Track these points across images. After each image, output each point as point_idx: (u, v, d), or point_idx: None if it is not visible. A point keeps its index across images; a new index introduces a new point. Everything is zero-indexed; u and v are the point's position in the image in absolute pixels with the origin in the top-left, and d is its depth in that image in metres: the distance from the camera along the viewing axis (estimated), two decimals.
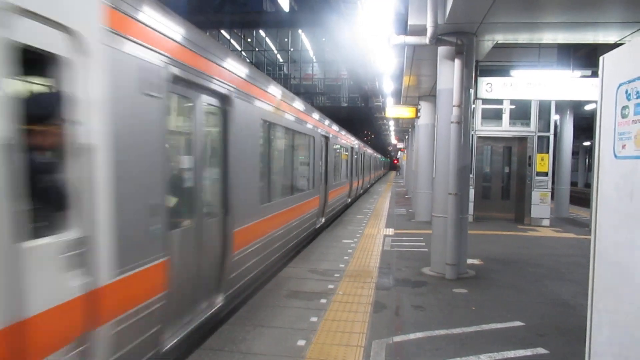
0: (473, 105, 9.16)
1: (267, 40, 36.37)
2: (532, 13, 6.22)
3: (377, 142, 58.53)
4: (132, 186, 3.09)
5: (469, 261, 7.59)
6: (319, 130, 11.06)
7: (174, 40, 3.65)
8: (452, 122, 6.76)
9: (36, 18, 2.26)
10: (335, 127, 14.13)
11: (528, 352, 4.25)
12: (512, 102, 12.74)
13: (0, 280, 2.08)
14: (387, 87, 15.52)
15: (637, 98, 2.33)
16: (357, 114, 35.30)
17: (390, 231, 11.31)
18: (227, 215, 4.93)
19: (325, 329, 4.67)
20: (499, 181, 14.36)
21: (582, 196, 24.25)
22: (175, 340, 3.79)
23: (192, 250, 4.21)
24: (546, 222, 12.80)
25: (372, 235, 10.62)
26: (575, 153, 35.29)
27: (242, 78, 5.26)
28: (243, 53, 36.78)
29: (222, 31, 35.57)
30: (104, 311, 2.78)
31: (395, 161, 76.74)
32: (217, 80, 4.52)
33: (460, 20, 6.43)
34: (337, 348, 4.20)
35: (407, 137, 29.51)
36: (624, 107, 2.44)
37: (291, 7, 29.86)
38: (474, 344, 4.41)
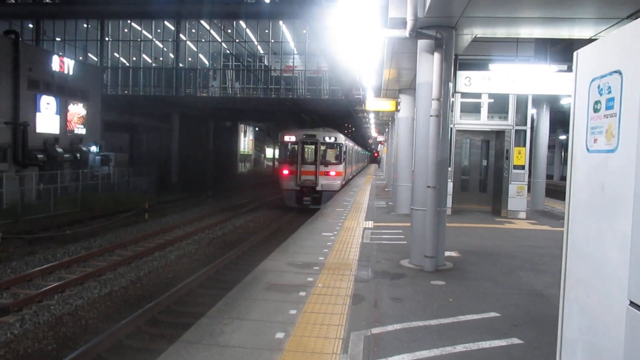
0: (452, 99, 9.24)
1: (248, 31, 36.01)
2: (510, 8, 6.29)
3: (358, 134, 58.66)
4: (353, 159, 32.85)
5: (447, 253, 7.69)
6: None
7: (348, 140, 27.27)
8: (431, 116, 6.80)
9: (346, 144, 24.87)
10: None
11: (503, 342, 4.33)
12: (490, 95, 12.87)
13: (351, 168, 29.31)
14: (368, 79, 15.54)
15: (608, 93, 2.37)
16: (338, 107, 35.31)
17: (370, 224, 11.37)
18: (345, 164, 23.15)
19: (304, 321, 4.68)
20: (477, 174, 14.53)
21: (557, 189, 24.74)
22: (344, 183, 23.20)
23: (347, 170, 25.35)
24: (522, 215, 13.02)
25: (352, 227, 10.67)
26: (551, 147, 36.07)
27: (350, 139, 31.34)
28: (223, 45, 36.41)
29: (202, 22, 35.13)
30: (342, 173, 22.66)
31: (376, 154, 77.06)
32: (348, 143, 26.41)
33: (440, 14, 6.46)
34: (315, 340, 4.22)
35: (387, 130, 29.65)
36: (596, 102, 2.48)
37: None
38: (450, 334, 4.48)
